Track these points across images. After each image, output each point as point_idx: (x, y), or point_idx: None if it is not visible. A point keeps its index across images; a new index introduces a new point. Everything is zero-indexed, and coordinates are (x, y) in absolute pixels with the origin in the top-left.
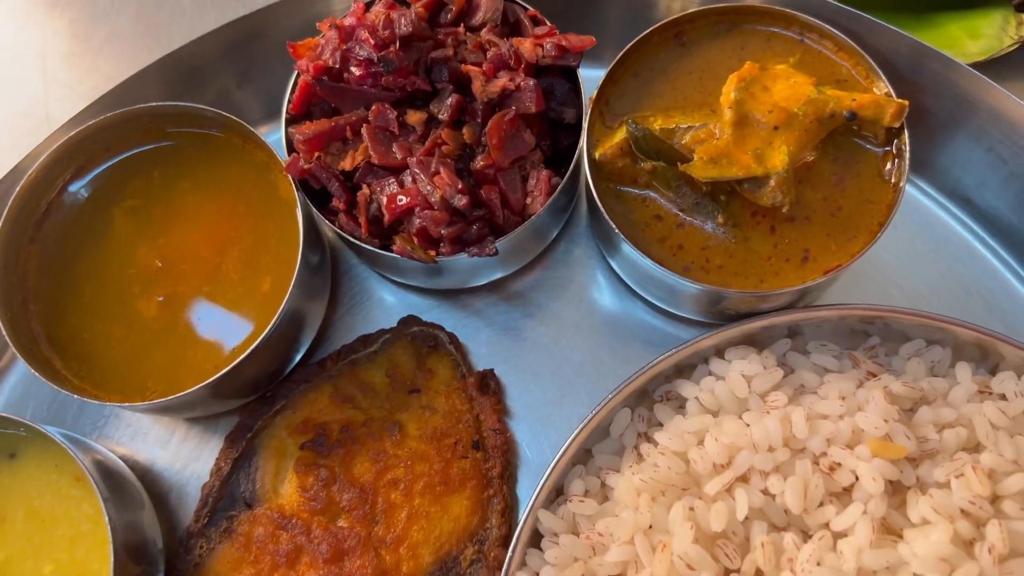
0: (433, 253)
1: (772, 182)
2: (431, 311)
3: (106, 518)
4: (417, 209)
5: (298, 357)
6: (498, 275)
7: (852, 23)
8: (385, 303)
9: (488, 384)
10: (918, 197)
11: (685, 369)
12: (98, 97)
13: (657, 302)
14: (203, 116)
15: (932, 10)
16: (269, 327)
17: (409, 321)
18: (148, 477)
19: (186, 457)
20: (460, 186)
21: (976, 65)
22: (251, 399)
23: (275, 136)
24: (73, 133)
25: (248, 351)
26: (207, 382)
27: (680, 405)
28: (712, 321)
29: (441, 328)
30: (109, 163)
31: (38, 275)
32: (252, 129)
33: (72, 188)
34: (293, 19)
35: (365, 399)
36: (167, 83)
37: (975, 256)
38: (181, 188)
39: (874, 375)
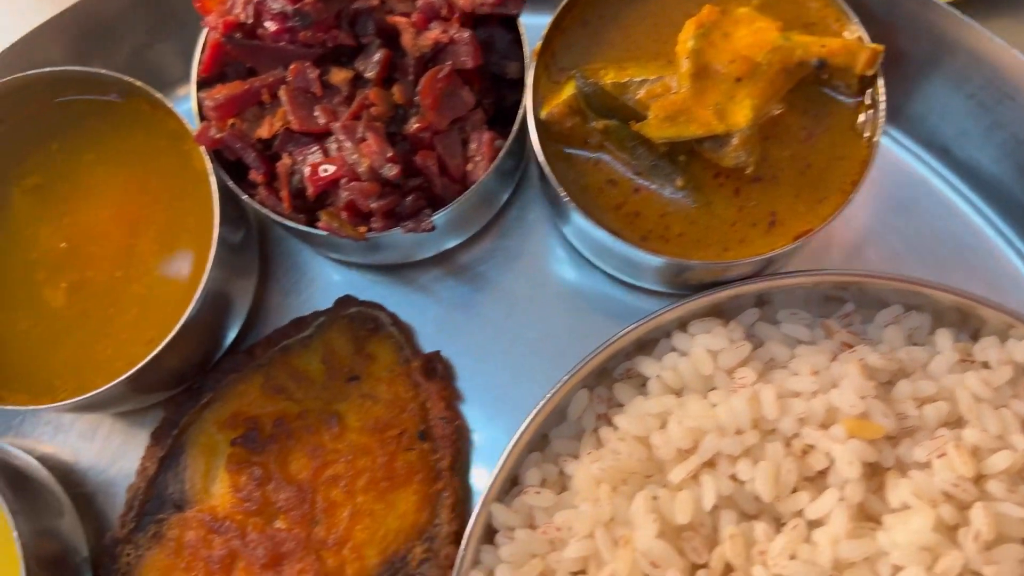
0: (363, 230)
1: (735, 140)
2: (372, 288)
3: (14, 533)
4: (343, 180)
5: (227, 344)
6: (444, 247)
7: None
8: (322, 280)
9: (435, 368)
10: (893, 149)
11: (647, 344)
12: None
13: (615, 273)
14: (104, 81)
15: None
16: (184, 317)
17: (346, 302)
18: (71, 478)
19: (112, 454)
20: (390, 153)
21: (957, 3)
22: (176, 392)
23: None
24: None
25: (163, 344)
26: (120, 379)
27: (642, 383)
28: (675, 292)
29: (381, 308)
30: (2, 137)
31: None
32: (159, 95)
33: None
34: None
35: (299, 389)
36: (69, 42)
37: (954, 212)
38: (85, 161)
39: (849, 346)
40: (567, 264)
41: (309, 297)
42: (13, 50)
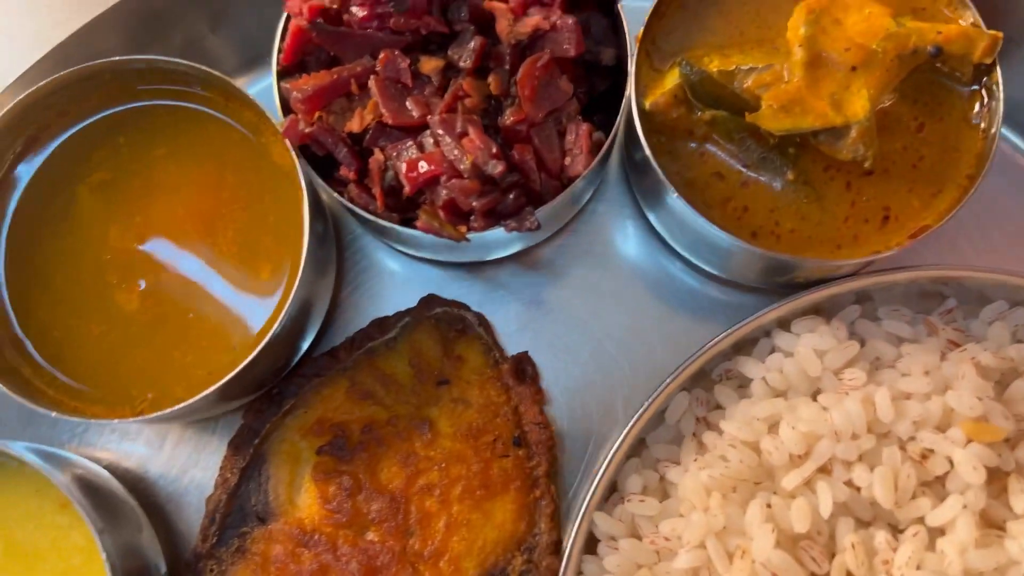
0: (464, 229)
1: (853, 133)
2: (450, 285)
3: (102, 554)
4: (443, 178)
5: (306, 346)
6: (525, 245)
7: None
8: (396, 277)
9: (525, 370)
10: None
11: (744, 344)
12: (46, 52)
13: (711, 268)
14: (176, 71)
15: None
16: (277, 323)
17: (430, 301)
18: (140, 487)
19: (183, 463)
20: (494, 149)
21: None
22: (254, 397)
23: (258, 87)
24: (20, 98)
25: (253, 355)
26: (210, 391)
27: (741, 384)
28: (766, 286)
29: (467, 307)
30: (67, 132)
31: None
32: (236, 85)
33: (25, 164)
34: None
35: (388, 394)
36: (127, 31)
37: None
38: (156, 156)
39: (956, 344)
40: (649, 258)
41: (386, 295)
42: (70, 42)
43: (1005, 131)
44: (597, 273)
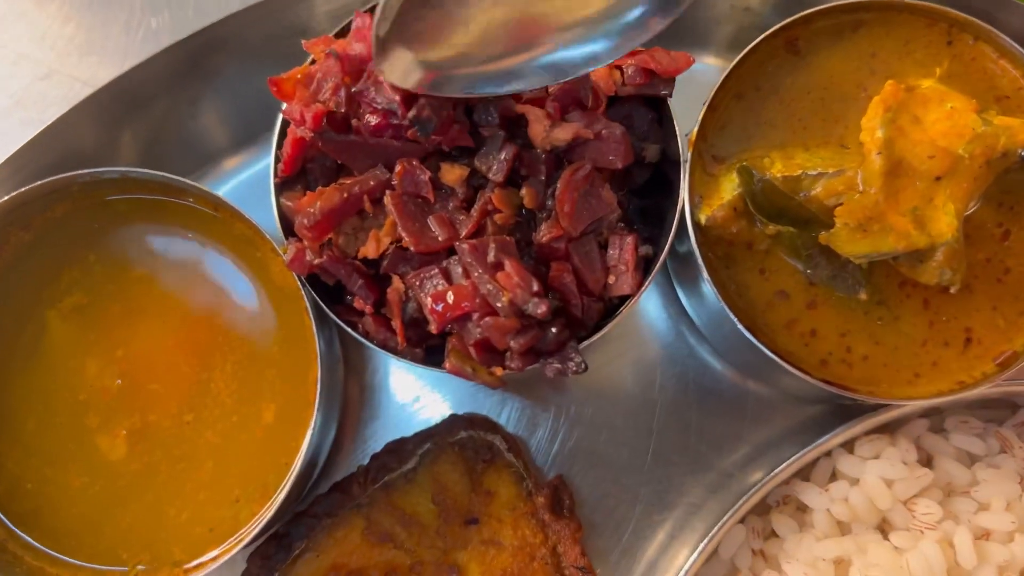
0: (499, 372)
1: (939, 256)
2: (463, 386)
3: None
4: (475, 315)
5: (315, 475)
6: None
7: (1011, 15)
8: (407, 374)
9: (562, 501)
10: None
11: (804, 466)
12: (12, 153)
13: (765, 383)
14: (154, 182)
15: None
16: (287, 481)
17: (453, 424)
18: None
19: None
20: (536, 287)
21: None
22: (260, 541)
23: (248, 172)
24: None
25: (272, 510)
26: (223, 559)
27: (798, 508)
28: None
29: (494, 427)
30: (31, 248)
31: None
32: (227, 200)
33: None
34: (259, 28)
35: (409, 536)
36: (103, 122)
37: None
38: (134, 277)
39: None
40: (690, 354)
41: (398, 397)
42: (40, 138)
43: None
44: (633, 374)
